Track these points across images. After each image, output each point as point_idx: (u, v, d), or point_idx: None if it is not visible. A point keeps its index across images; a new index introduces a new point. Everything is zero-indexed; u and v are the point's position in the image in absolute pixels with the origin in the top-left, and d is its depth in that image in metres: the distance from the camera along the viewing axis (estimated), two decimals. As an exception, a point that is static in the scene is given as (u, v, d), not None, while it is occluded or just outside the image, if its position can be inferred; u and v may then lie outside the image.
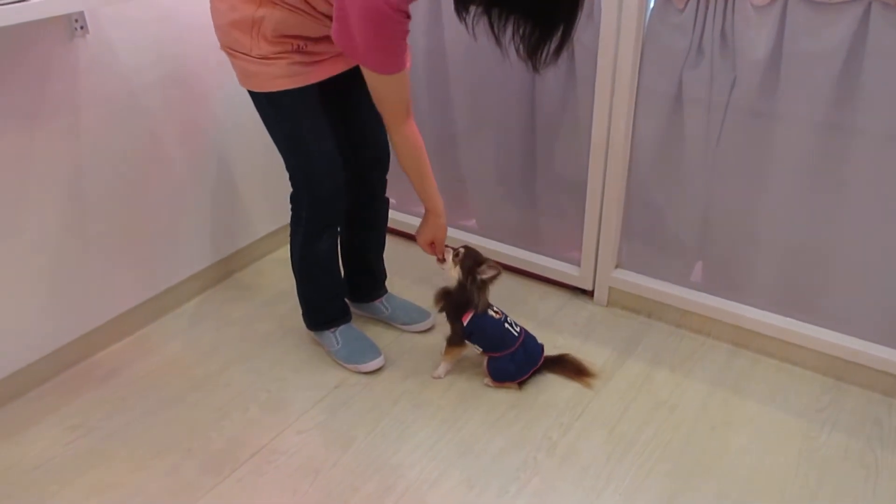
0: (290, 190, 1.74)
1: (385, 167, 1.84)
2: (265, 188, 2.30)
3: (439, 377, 1.83)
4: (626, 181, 1.97)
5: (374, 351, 1.87)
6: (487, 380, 1.80)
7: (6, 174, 1.65)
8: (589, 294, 2.12)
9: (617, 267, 2.09)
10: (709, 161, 1.85)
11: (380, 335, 1.98)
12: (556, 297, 2.14)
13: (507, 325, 1.76)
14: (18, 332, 1.78)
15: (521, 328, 1.79)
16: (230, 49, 1.55)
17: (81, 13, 1.70)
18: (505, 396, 1.78)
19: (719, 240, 1.93)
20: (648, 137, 1.91)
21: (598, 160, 1.94)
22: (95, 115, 1.79)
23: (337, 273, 1.87)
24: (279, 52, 1.50)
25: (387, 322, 2.03)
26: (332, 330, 1.88)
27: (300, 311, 1.92)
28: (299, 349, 1.96)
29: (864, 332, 1.78)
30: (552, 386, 1.81)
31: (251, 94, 1.60)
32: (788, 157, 1.74)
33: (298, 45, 1.52)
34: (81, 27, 1.71)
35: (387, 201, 1.92)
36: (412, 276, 2.21)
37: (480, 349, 1.77)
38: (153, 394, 1.81)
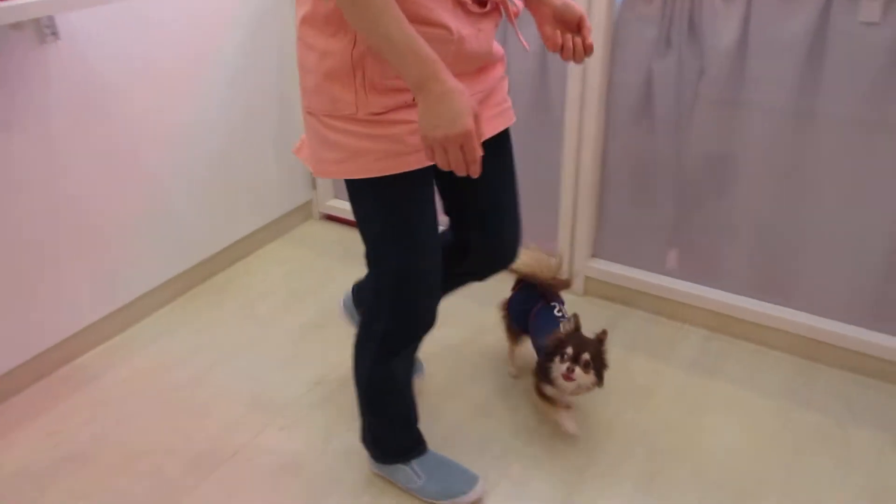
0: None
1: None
2: (242, 189, 2.31)
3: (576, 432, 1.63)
4: (599, 171, 2.00)
5: (470, 476, 1.50)
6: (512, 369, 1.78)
7: (-22, 180, 1.65)
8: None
9: (593, 256, 2.11)
10: (680, 150, 1.88)
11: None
12: (534, 289, 2.17)
13: (557, 315, 1.65)
14: (-4, 338, 1.77)
15: (540, 302, 1.68)
16: (330, 117, 1.14)
17: (52, 19, 1.69)
18: (483, 387, 1.80)
19: (693, 227, 1.96)
20: (621, 127, 1.94)
21: (571, 150, 1.97)
22: (68, 121, 1.79)
23: (412, 396, 1.48)
24: (395, 108, 1.11)
25: None
26: (407, 463, 1.51)
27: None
28: (280, 348, 1.97)
29: (836, 312, 1.82)
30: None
31: (347, 182, 1.22)
32: (757, 143, 1.77)
33: None
34: (53, 33, 1.70)
35: None
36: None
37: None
38: (134, 397, 1.81)
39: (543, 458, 1.59)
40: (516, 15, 1.20)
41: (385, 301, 1.32)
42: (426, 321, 1.34)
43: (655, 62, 1.82)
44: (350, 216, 2.50)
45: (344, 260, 2.35)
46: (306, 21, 1.11)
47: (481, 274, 1.53)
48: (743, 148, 1.80)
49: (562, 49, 1.21)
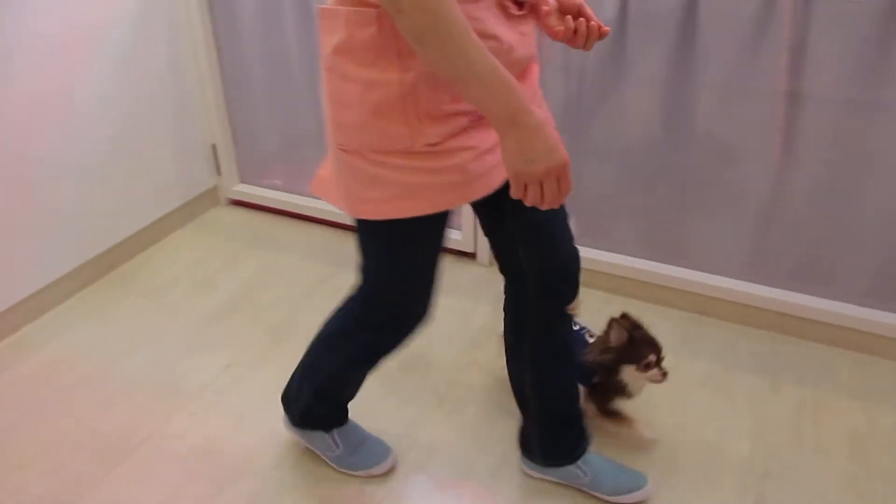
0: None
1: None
2: (141, 176, 2.24)
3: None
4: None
5: (383, 448, 1.55)
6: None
7: None
8: (472, 256, 2.20)
9: (497, 228, 2.17)
10: (572, 120, 1.95)
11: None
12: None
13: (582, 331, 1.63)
14: None
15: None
16: (378, 153, 1.05)
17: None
18: (394, 360, 1.83)
19: (587, 194, 2.04)
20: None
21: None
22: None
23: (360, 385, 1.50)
24: (450, 135, 1.04)
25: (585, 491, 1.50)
26: (328, 431, 1.53)
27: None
28: (188, 335, 1.94)
29: (721, 269, 1.95)
30: (440, 344, 1.88)
31: (363, 222, 1.15)
32: (642, 111, 1.86)
33: (473, 113, 1.06)
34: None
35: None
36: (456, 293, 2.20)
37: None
38: (33, 395, 1.76)
39: (452, 425, 1.65)
40: (547, 15, 1.13)
41: (377, 318, 1.31)
42: (411, 337, 1.35)
43: (544, 35, 1.88)
44: (259, 200, 2.49)
45: (253, 244, 2.33)
46: (340, 51, 1.02)
47: (551, 300, 1.33)
48: (628, 115, 1.89)
49: (574, 34, 1.12)
